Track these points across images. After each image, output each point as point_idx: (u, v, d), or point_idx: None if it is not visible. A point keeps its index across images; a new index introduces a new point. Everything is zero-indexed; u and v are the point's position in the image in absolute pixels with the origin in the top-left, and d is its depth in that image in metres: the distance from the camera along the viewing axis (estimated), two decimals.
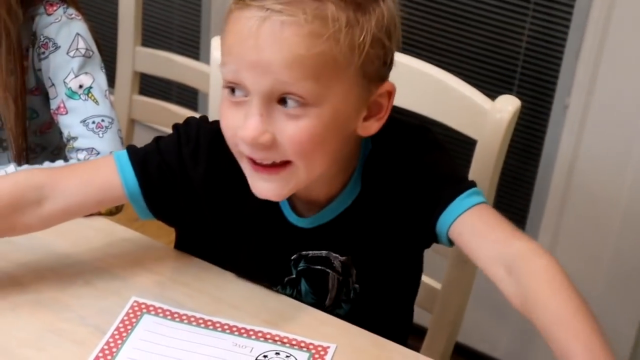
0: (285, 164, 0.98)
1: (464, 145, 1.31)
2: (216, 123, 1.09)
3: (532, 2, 1.80)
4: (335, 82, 0.95)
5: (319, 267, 1.10)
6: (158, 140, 1.10)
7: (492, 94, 1.31)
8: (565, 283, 0.96)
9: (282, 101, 0.94)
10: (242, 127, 0.94)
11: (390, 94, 1.02)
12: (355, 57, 0.95)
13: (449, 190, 1.05)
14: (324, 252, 1.10)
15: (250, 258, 1.11)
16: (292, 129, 0.94)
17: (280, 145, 0.95)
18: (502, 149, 1.24)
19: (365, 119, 1.01)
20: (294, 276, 1.10)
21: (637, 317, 1.96)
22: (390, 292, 1.16)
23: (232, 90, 0.96)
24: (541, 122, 1.90)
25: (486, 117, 1.22)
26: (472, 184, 1.07)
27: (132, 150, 1.10)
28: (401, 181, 1.08)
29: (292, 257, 1.10)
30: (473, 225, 1.04)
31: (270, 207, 1.08)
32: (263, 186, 1.00)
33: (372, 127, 1.03)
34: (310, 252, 1.09)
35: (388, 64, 1.00)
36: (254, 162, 0.98)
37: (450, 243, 1.06)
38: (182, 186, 1.08)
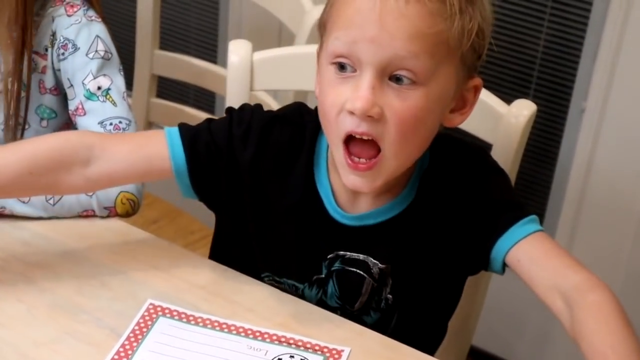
0: (376, 156, 0.99)
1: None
2: (271, 112, 1.11)
3: (549, 6, 1.79)
4: (445, 64, 0.97)
5: (355, 269, 1.10)
6: (210, 121, 1.12)
7: (509, 98, 1.31)
8: (617, 319, 0.97)
9: (392, 78, 0.95)
10: (352, 99, 0.95)
11: (477, 89, 1.04)
12: (463, 42, 0.97)
13: (509, 215, 1.05)
14: (361, 256, 1.09)
15: (284, 252, 1.12)
16: (401, 105, 0.96)
17: (385, 121, 0.96)
18: (517, 153, 1.24)
19: (452, 111, 1.03)
20: (322, 276, 1.10)
21: None
22: (425, 310, 1.16)
23: (340, 66, 0.97)
24: (558, 126, 1.89)
25: (502, 121, 1.23)
26: (531, 212, 1.06)
27: (184, 127, 1.11)
28: (458, 200, 1.08)
29: (329, 256, 1.09)
30: (532, 253, 1.04)
31: (313, 199, 1.08)
32: (356, 180, 1.01)
33: (455, 119, 1.05)
34: (349, 253, 1.09)
35: (482, 58, 1.02)
36: (350, 158, 0.99)
37: (503, 269, 1.06)
38: (228, 168, 1.09)
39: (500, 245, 1.05)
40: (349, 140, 0.99)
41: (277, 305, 1.07)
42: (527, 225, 1.05)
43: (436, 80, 0.97)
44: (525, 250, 1.04)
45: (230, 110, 1.11)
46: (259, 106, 1.13)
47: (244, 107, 1.14)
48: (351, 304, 1.10)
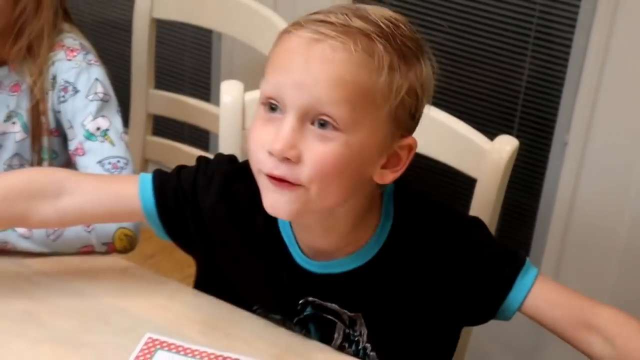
0: (298, 185, 0.96)
1: (464, 183, 1.31)
2: (237, 164, 1.10)
3: (530, 42, 1.80)
4: (368, 116, 0.95)
5: (326, 315, 1.08)
6: (181, 168, 1.11)
7: (494, 132, 1.31)
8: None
9: (315, 123, 0.94)
10: (273, 139, 0.93)
11: (411, 148, 1.01)
12: (391, 98, 0.95)
13: (511, 267, 1.04)
14: (329, 304, 1.07)
15: (261, 293, 1.10)
16: (320, 150, 0.93)
17: (302, 164, 0.94)
18: (501, 187, 1.24)
19: (383, 167, 1.00)
20: (302, 317, 1.09)
21: None
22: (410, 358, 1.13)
23: (270, 107, 0.96)
24: (542, 159, 1.88)
25: (485, 156, 1.22)
26: (524, 254, 1.06)
27: (157, 172, 1.10)
28: (435, 252, 1.05)
29: (300, 302, 1.07)
30: (548, 297, 1.05)
31: (278, 247, 1.06)
32: (275, 199, 0.98)
33: (387, 177, 1.01)
34: (318, 300, 1.07)
35: (416, 119, 1.00)
36: (270, 177, 0.97)
37: (509, 317, 1.06)
38: (193, 214, 1.08)
39: (513, 298, 1.04)
40: None
41: (272, 338, 1.06)
42: (529, 272, 1.04)
43: (359, 130, 0.95)
44: (540, 296, 1.04)
45: (199, 159, 1.12)
46: (231, 157, 1.13)
47: (215, 156, 1.13)
48: (329, 344, 1.09)
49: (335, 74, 0.92)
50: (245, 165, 1.04)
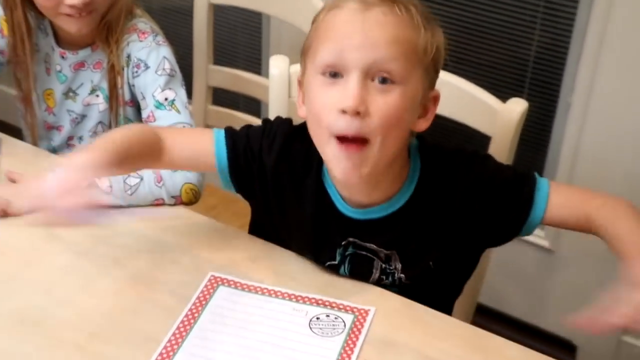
0: (364, 143, 0.94)
1: (481, 140, 1.30)
2: (295, 127, 1.08)
3: (539, 17, 1.76)
4: (416, 69, 0.95)
5: (366, 253, 1.06)
6: (249, 127, 1.10)
7: (507, 95, 1.29)
8: (632, 213, 0.98)
9: (375, 79, 0.92)
10: (343, 98, 0.91)
11: (436, 99, 1.01)
12: (427, 54, 0.95)
13: (527, 188, 1.03)
14: (368, 244, 1.06)
15: (303, 243, 1.09)
16: (383, 101, 0.92)
17: (369, 118, 0.92)
18: (512, 144, 1.21)
19: (418, 117, 1.00)
20: (335, 262, 1.07)
21: None
22: (438, 282, 1.11)
23: (328, 74, 0.94)
24: (548, 118, 1.86)
25: (498, 116, 1.20)
26: (533, 172, 1.05)
27: (228, 132, 1.09)
28: (460, 189, 1.04)
29: (343, 243, 1.06)
30: (561, 202, 1.03)
31: (325, 199, 1.05)
32: (346, 166, 0.95)
33: (422, 125, 1.01)
34: (358, 240, 1.06)
35: (438, 74, 1.00)
36: (341, 144, 0.94)
37: (532, 231, 1.05)
38: (259, 171, 1.07)
39: (534, 215, 1.02)
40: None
41: (315, 275, 1.06)
42: (542, 187, 1.03)
43: (410, 82, 0.94)
44: (555, 203, 1.02)
45: (264, 121, 1.10)
46: (288, 121, 1.10)
47: (275, 119, 1.11)
48: (365, 280, 1.08)
49: (390, 34, 0.92)
50: (302, 126, 1.03)
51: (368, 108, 0.91)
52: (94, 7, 1.29)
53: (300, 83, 1.01)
